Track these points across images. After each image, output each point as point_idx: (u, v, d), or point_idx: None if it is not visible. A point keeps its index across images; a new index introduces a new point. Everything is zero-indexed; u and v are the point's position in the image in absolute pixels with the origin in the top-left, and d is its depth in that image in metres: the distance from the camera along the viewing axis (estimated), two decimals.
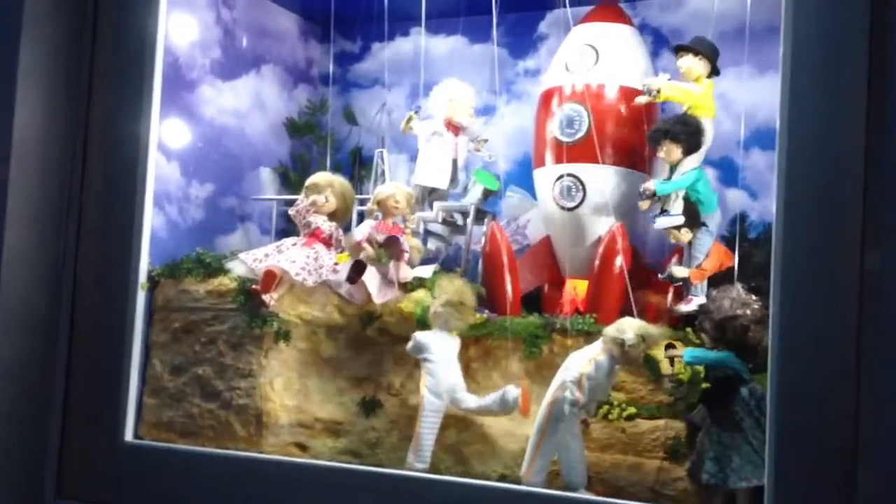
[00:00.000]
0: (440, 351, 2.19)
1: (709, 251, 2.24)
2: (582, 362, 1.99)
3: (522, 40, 3.10)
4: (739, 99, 2.53)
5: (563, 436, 1.97)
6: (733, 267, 2.20)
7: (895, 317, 1.57)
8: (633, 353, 1.97)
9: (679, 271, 2.23)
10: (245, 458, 2.25)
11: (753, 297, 1.93)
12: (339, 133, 3.27)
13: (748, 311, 1.91)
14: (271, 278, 2.32)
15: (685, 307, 2.20)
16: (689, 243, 2.26)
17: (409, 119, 2.69)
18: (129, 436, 2.37)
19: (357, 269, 2.32)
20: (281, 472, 2.21)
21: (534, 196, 2.67)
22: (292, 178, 3.16)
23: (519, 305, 2.42)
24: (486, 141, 2.71)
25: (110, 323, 2.40)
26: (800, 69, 1.73)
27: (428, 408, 2.15)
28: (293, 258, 2.35)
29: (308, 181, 2.52)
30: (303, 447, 2.32)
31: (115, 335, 2.40)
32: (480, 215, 2.64)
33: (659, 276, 2.29)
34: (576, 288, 2.44)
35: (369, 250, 2.36)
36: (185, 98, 2.73)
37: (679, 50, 2.39)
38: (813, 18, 1.73)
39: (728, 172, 2.62)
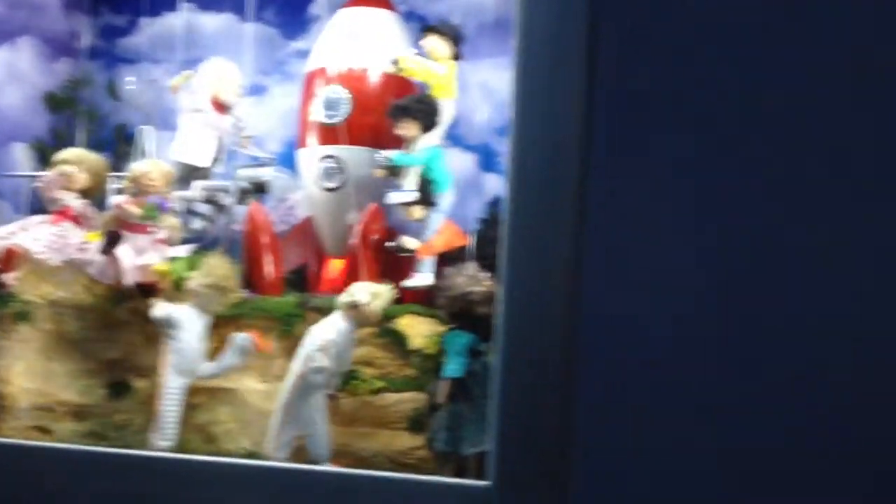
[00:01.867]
0: (191, 329, 2.16)
1: (439, 229, 2.33)
2: (323, 332, 2.03)
3: (294, 20, 3.11)
4: (498, 88, 2.66)
5: (307, 410, 2.01)
6: (465, 247, 2.31)
7: (600, 295, 1.66)
8: (368, 312, 2.03)
9: (409, 242, 2.30)
10: None
11: (486, 275, 2.03)
12: (103, 109, 3.17)
13: (480, 288, 2.01)
14: (12, 257, 2.22)
15: (410, 282, 2.27)
16: (422, 220, 2.34)
17: (185, 77, 2.64)
18: None
19: (111, 241, 2.25)
20: (19, 455, 2.12)
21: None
22: (49, 154, 3.03)
23: (279, 285, 2.44)
24: (251, 137, 2.70)
25: None
26: (528, 60, 1.82)
27: (170, 385, 2.12)
28: (37, 236, 2.26)
29: (57, 155, 2.43)
30: (45, 430, 2.24)
31: None
32: (246, 195, 2.63)
33: (387, 244, 2.35)
34: (336, 267, 2.49)
35: (132, 210, 2.28)
36: None
37: (426, 31, 2.48)
38: (541, 12, 1.82)
39: (487, 158, 2.74)
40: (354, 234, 2.41)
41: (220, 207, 2.68)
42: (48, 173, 2.39)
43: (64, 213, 2.36)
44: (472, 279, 2.03)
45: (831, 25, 1.49)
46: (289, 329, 2.23)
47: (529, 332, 1.88)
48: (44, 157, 3.05)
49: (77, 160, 2.40)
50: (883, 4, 1.43)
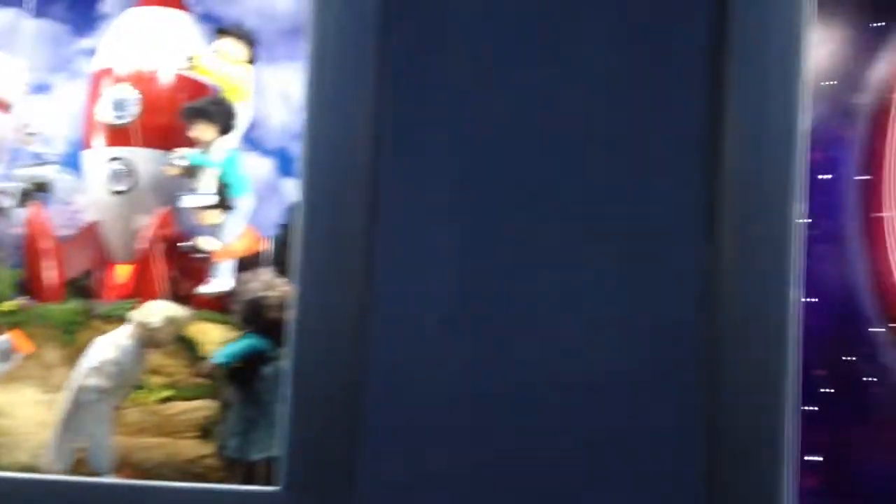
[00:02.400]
0: None
1: (238, 234, 2.31)
2: (106, 348, 1.97)
3: (82, 17, 2.99)
4: (295, 93, 2.65)
5: (87, 423, 1.94)
6: (263, 252, 2.30)
7: (390, 299, 1.69)
8: (160, 337, 1.99)
9: (205, 242, 2.27)
10: None
11: (281, 280, 2.03)
12: None
13: (274, 293, 2.01)
14: None
15: (205, 288, 2.25)
16: (217, 225, 2.31)
17: None
18: None
19: None
20: None
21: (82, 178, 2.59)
22: None
23: (61, 291, 2.33)
24: (35, 135, 2.58)
25: None
26: (318, 64, 1.83)
27: None
28: None
29: None
30: None
31: None
32: (27, 196, 2.50)
33: (182, 245, 2.32)
34: (122, 273, 2.41)
35: None
36: None
37: (220, 33, 2.45)
38: (331, 17, 1.84)
39: (284, 162, 2.72)
40: (144, 238, 2.34)
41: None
42: None
43: None
44: (266, 284, 2.02)
45: (600, 39, 1.59)
46: (70, 337, 2.14)
47: (320, 336, 1.90)
48: None
49: None
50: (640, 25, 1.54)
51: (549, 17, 1.63)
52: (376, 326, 1.73)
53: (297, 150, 2.75)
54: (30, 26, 3.16)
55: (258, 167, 2.70)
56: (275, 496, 1.69)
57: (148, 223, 2.38)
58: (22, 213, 2.50)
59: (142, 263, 2.32)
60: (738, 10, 1.51)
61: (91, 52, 3.12)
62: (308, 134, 1.82)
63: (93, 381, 1.92)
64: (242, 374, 1.98)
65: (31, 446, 2.04)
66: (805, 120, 1.51)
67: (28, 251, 2.35)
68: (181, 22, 2.65)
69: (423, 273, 1.68)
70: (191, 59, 2.39)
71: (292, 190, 2.83)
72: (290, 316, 1.87)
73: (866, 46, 2.11)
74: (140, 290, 2.27)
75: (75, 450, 1.94)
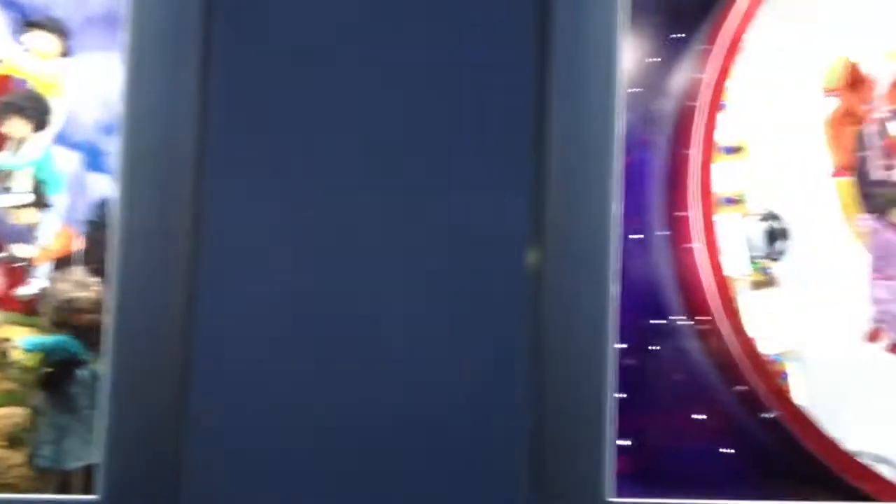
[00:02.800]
0: None
1: (54, 233, 2.20)
2: None
3: None
4: (104, 85, 2.53)
5: None
6: (79, 251, 2.19)
7: (214, 300, 1.67)
8: None
9: (21, 250, 2.16)
10: None
11: (93, 280, 1.95)
12: None
13: (86, 294, 1.92)
14: None
15: (25, 290, 2.13)
16: (32, 224, 2.19)
17: None
18: None
19: None
20: None
21: None
22: None
23: None
24: None
25: None
26: (139, 56, 1.77)
27: None
28: None
29: None
30: None
31: None
32: None
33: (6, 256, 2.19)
34: None
35: None
36: None
37: (28, 25, 2.32)
38: (152, 7, 1.79)
39: (93, 157, 2.60)
40: None
41: None
42: None
43: None
44: (77, 284, 1.92)
45: (424, 42, 1.62)
46: None
47: (140, 339, 1.84)
48: None
49: None
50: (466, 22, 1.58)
51: (373, 15, 1.64)
52: (201, 329, 1.69)
53: (107, 144, 2.65)
54: None
55: (65, 162, 2.55)
56: None
57: None
58: None
59: None
60: (560, 20, 1.58)
61: None
62: (127, 128, 1.76)
63: None
64: (54, 379, 1.89)
65: None
66: (620, 125, 1.60)
67: None
68: None
69: (248, 273, 1.65)
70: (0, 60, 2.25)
71: (102, 186, 2.71)
72: (108, 318, 1.80)
73: (669, 56, 2.26)
74: None
75: None
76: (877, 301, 2.48)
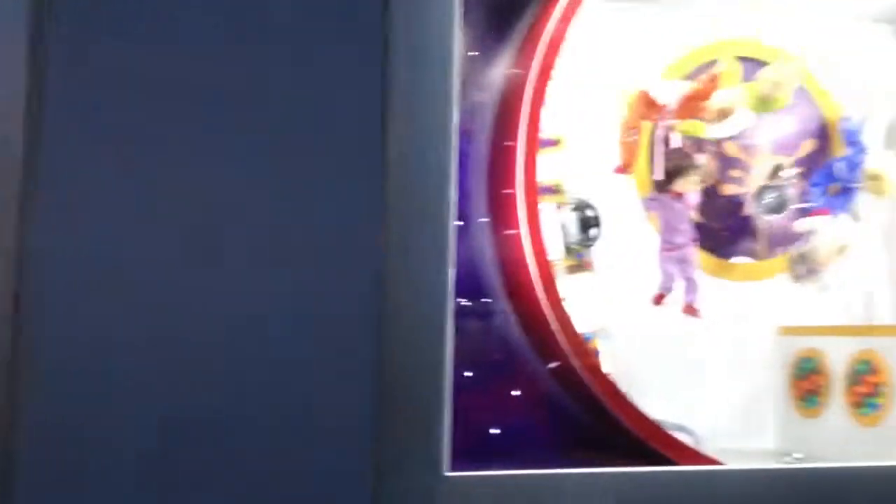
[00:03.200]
0: None
1: None
2: None
3: None
4: None
5: None
6: None
7: (48, 285, 1.59)
8: None
9: None
10: None
11: None
12: None
13: None
14: None
15: None
16: None
17: None
18: None
19: None
20: None
21: None
22: None
23: None
24: None
25: None
26: None
27: None
28: None
29: None
30: None
31: None
32: None
33: None
34: None
35: None
36: None
37: None
38: None
39: None
40: None
41: None
42: None
43: None
44: None
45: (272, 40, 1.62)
46: None
47: None
48: None
49: None
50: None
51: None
52: (33, 319, 1.61)
53: None
54: None
55: None
56: None
57: None
58: None
59: None
60: (399, 17, 1.61)
61: None
62: None
63: None
64: None
65: None
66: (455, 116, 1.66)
67: None
68: None
69: (86, 255, 1.60)
70: None
71: None
72: None
73: (487, 50, 2.36)
74: None
75: None
76: (664, 271, 2.74)
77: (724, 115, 2.79)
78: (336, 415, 1.58)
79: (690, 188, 2.76)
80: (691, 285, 2.74)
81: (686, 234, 2.75)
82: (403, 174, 1.62)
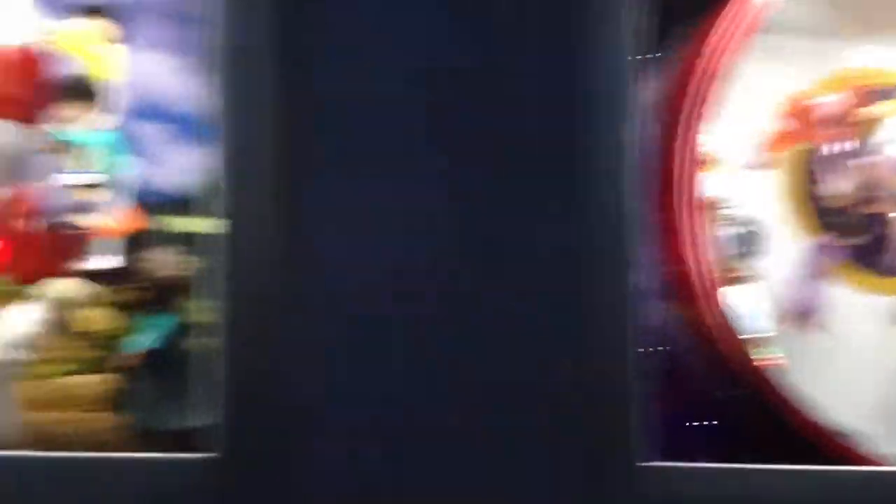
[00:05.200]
0: None
1: (117, 210, 2.29)
2: (21, 322, 1.93)
3: None
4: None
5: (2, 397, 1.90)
6: (146, 229, 2.32)
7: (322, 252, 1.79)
8: (69, 313, 1.98)
9: (84, 220, 2.25)
10: None
11: (180, 258, 2.07)
12: None
13: (180, 271, 2.05)
14: None
15: (89, 265, 2.23)
16: (97, 202, 2.29)
17: None
18: None
19: None
20: None
21: None
22: None
23: None
24: None
25: None
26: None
27: None
28: None
29: None
30: None
31: None
32: None
33: (60, 222, 2.28)
34: None
35: None
36: None
37: (89, 12, 2.42)
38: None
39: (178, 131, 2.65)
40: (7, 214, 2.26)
41: None
42: None
43: None
44: (172, 262, 2.05)
45: None
46: None
47: (245, 316, 1.95)
48: None
49: None
50: None
51: None
52: (314, 303, 1.75)
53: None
54: None
55: (141, 140, 2.63)
56: (215, 463, 1.76)
57: (7, 197, 2.30)
58: None
59: (12, 239, 2.24)
60: None
61: None
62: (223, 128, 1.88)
63: (15, 355, 1.87)
64: (154, 349, 2.01)
65: None
66: None
67: None
68: None
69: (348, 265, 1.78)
70: (52, 33, 2.34)
71: (180, 162, 2.75)
72: (219, 291, 1.93)
73: None
74: (14, 266, 2.19)
75: None
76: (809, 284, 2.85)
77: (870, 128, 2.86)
78: (545, 408, 1.76)
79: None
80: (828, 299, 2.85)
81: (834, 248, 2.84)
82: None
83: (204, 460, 1.80)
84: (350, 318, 1.77)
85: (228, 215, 1.96)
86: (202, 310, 2.10)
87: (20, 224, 2.28)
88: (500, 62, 1.78)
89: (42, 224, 2.27)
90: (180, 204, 2.51)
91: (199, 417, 2.00)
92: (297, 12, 1.73)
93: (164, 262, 2.09)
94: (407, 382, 1.80)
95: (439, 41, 1.75)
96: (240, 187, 1.95)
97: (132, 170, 2.35)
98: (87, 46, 2.39)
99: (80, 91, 2.32)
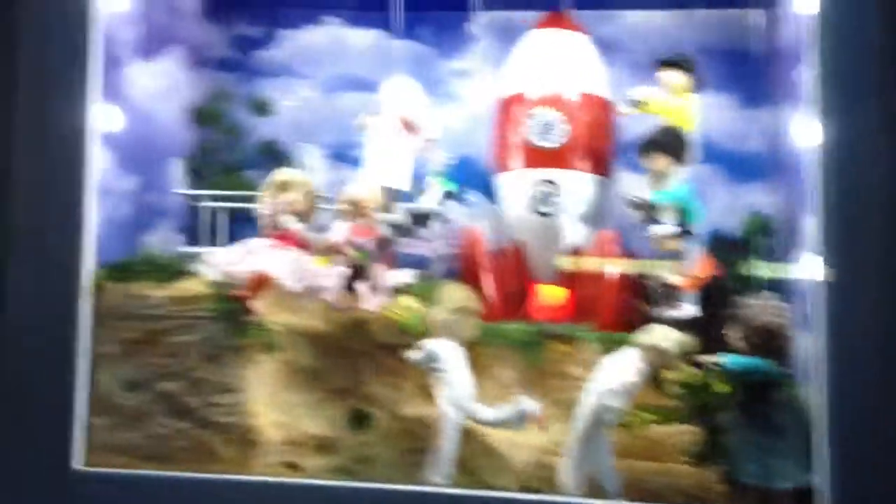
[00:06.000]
0: (452, 360, 2.09)
1: (696, 260, 2.29)
2: (624, 371, 1.98)
3: (449, 39, 3.02)
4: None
5: (600, 444, 1.96)
6: (718, 276, 2.29)
7: None
8: (670, 359, 2.00)
9: (672, 277, 2.26)
10: (230, 480, 2.04)
11: (783, 305, 2.01)
12: (245, 124, 3.05)
13: (780, 318, 1.98)
14: (261, 283, 2.11)
15: (676, 313, 2.24)
16: (675, 251, 2.31)
17: (370, 117, 2.61)
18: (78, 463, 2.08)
19: (356, 275, 2.18)
20: (272, 493, 2.03)
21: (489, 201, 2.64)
22: (201, 169, 2.91)
23: (504, 308, 2.38)
24: (435, 141, 2.65)
25: (52, 334, 2.09)
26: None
27: (450, 420, 2.04)
28: (276, 261, 2.16)
29: (275, 178, 2.32)
30: (294, 466, 2.14)
31: (58, 347, 2.09)
32: (424, 218, 2.58)
33: (649, 281, 2.32)
34: (551, 294, 2.43)
35: (350, 252, 2.23)
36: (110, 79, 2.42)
37: (664, 65, 2.46)
38: None
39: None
40: (582, 260, 2.37)
41: (399, 229, 2.60)
42: (267, 196, 2.28)
43: (286, 238, 2.25)
44: (771, 309, 1.99)
45: None
46: (533, 357, 2.16)
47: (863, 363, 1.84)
48: (196, 173, 2.92)
49: (295, 183, 2.31)
50: None
51: None
52: None
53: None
54: (393, 47, 3.22)
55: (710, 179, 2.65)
56: None
57: (584, 246, 2.43)
58: (429, 233, 2.56)
59: (589, 285, 2.34)
60: None
61: (462, 74, 3.14)
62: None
63: (615, 403, 1.93)
64: (749, 399, 1.96)
65: (517, 466, 2.08)
66: None
67: (466, 270, 2.42)
68: (583, 43, 2.62)
69: None
70: (638, 100, 2.44)
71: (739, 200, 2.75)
72: (817, 343, 1.83)
73: None
74: (589, 313, 2.28)
75: (588, 472, 1.96)
76: None
77: None
78: None
79: None
80: None
81: None
82: None
83: None
84: None
85: (830, 262, 1.87)
86: (799, 358, 2.01)
87: (602, 271, 2.36)
88: None
89: (619, 273, 2.33)
90: (742, 248, 2.47)
91: (796, 476, 1.90)
92: None
93: (757, 310, 2.02)
94: None
95: None
96: (845, 232, 1.86)
97: (702, 216, 2.33)
98: (667, 102, 2.45)
99: (669, 144, 2.37)
